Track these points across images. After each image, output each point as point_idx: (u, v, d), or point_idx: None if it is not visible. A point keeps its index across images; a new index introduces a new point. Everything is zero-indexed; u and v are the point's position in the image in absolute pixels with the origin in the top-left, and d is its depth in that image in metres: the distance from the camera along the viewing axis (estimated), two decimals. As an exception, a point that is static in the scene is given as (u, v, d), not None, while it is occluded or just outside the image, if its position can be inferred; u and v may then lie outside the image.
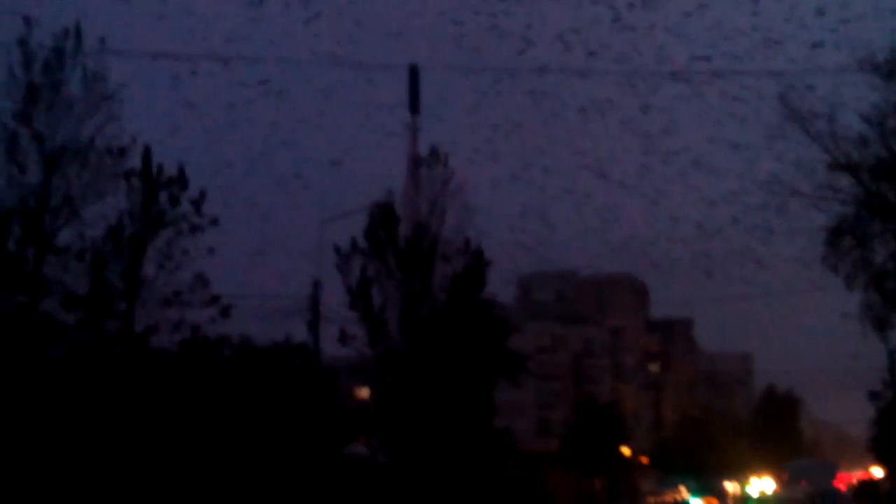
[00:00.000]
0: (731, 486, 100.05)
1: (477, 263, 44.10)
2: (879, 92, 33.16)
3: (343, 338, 42.63)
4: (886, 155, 34.01)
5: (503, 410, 51.52)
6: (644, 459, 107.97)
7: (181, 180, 35.01)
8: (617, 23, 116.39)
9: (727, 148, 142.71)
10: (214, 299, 34.90)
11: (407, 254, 43.26)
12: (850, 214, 34.80)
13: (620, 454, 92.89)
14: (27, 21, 31.56)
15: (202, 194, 35.29)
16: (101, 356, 33.38)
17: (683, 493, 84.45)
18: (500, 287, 49.11)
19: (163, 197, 34.66)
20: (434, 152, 44.47)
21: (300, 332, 43.09)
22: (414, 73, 49.03)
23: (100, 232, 33.19)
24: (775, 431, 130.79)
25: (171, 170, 35.04)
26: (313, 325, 42.63)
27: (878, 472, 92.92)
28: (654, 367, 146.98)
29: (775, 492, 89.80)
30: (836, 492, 77.16)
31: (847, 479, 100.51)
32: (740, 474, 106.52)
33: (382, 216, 43.56)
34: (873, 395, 75.15)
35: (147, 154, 34.76)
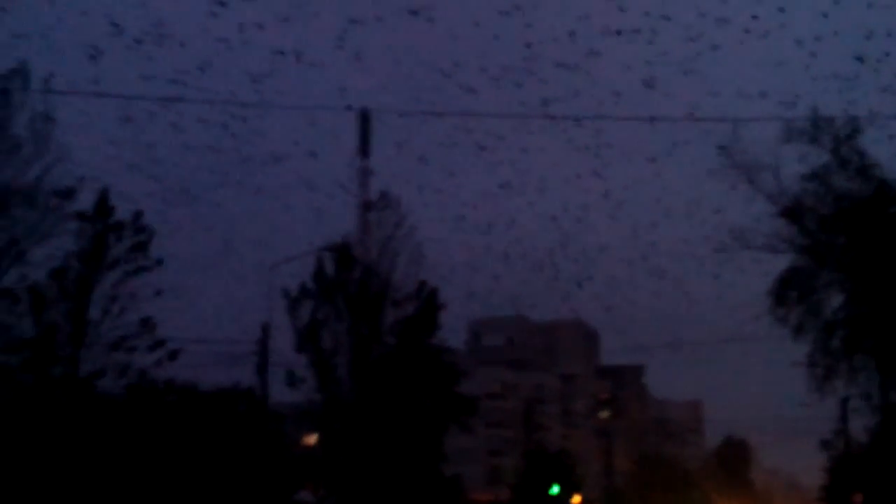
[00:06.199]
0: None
1: (429, 307, 43.77)
2: (809, 156, 33.00)
3: (291, 380, 42.07)
4: (831, 205, 33.91)
5: (453, 458, 51.08)
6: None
7: (139, 225, 34.80)
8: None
9: (677, 195, 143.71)
10: (161, 343, 34.53)
11: (357, 297, 42.89)
12: (798, 265, 34.60)
13: (571, 503, 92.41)
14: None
15: (150, 236, 35.07)
16: (46, 400, 32.80)
17: None
18: (449, 332, 48.56)
19: (112, 239, 34.33)
20: (385, 196, 44.30)
21: (249, 377, 42.53)
22: (365, 117, 48.99)
23: (44, 274, 32.78)
24: (727, 479, 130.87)
25: (123, 213, 34.83)
26: (261, 370, 42.04)
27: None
28: (604, 414, 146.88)
29: None
30: None
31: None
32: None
33: (338, 258, 43.15)
34: (825, 444, 75.32)
35: (104, 195, 34.52)
